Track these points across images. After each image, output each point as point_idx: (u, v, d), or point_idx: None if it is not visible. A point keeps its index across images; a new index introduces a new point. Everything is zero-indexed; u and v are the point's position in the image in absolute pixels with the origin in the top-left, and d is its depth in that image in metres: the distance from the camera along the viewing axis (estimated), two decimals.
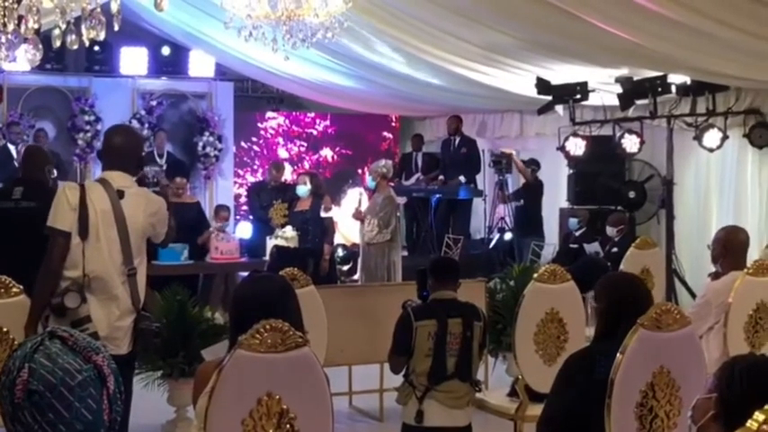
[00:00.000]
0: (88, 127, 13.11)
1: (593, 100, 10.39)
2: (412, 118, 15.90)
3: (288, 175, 13.25)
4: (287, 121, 15.33)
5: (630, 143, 9.96)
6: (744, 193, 10.22)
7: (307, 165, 15.06)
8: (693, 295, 8.93)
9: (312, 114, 15.49)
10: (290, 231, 9.61)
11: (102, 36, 4.71)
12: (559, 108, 10.63)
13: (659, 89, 9.54)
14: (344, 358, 6.62)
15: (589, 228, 10.99)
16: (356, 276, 10.99)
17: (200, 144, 13.88)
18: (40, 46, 5.00)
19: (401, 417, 5.08)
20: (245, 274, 5.18)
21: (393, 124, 16.00)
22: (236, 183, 14.65)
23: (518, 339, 5.18)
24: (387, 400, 6.68)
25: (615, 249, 9.78)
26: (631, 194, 11.10)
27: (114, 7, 4.58)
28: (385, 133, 15.94)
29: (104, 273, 4.55)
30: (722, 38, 7.15)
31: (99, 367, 1.95)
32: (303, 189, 10.03)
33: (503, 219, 12.99)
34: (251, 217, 12.13)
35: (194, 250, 9.76)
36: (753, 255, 6.13)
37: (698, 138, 9.71)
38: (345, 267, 12.16)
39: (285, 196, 10.37)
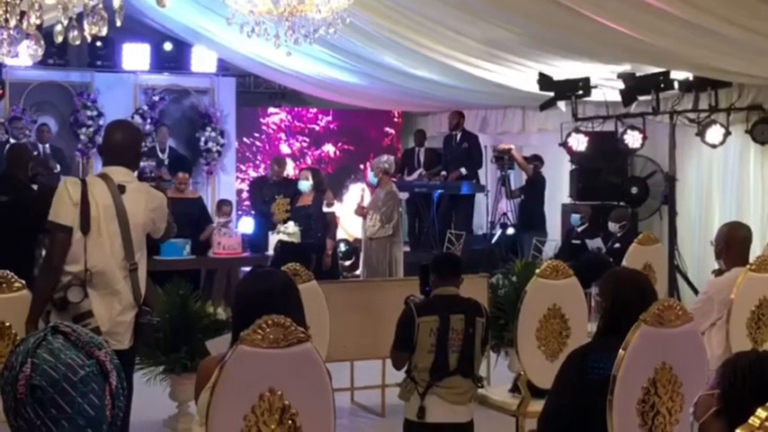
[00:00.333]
0: (90, 122, 13.13)
1: (596, 96, 10.38)
2: (414, 113, 15.89)
3: (290, 170, 13.26)
4: (289, 117, 15.33)
5: (633, 139, 9.95)
6: (746, 189, 10.21)
7: (309, 160, 15.05)
8: (696, 291, 8.93)
9: (314, 110, 15.48)
10: (292, 227, 9.60)
11: (104, 32, 4.70)
12: (562, 104, 10.62)
13: (662, 85, 9.53)
14: (346, 354, 6.62)
15: (591, 223, 10.98)
16: (358, 272, 10.99)
17: (203, 139, 13.90)
18: (42, 41, 5.00)
19: (403, 412, 5.08)
20: (248, 269, 5.19)
21: (395, 120, 15.99)
22: (238, 178, 14.66)
23: (520, 335, 5.18)
24: (389, 395, 6.69)
25: (617, 245, 9.77)
26: (634, 190, 11.09)
27: (116, 3, 4.57)
28: (387, 129, 15.93)
29: (106, 267, 4.56)
30: (725, 34, 7.14)
31: (101, 363, 1.95)
32: (305, 184, 10.03)
33: (505, 214, 12.98)
34: (253, 212, 12.13)
35: (196, 245, 9.76)
36: (755, 251, 6.12)
37: (700, 134, 9.70)
38: (348, 262, 12.17)
39: (287, 191, 10.36)
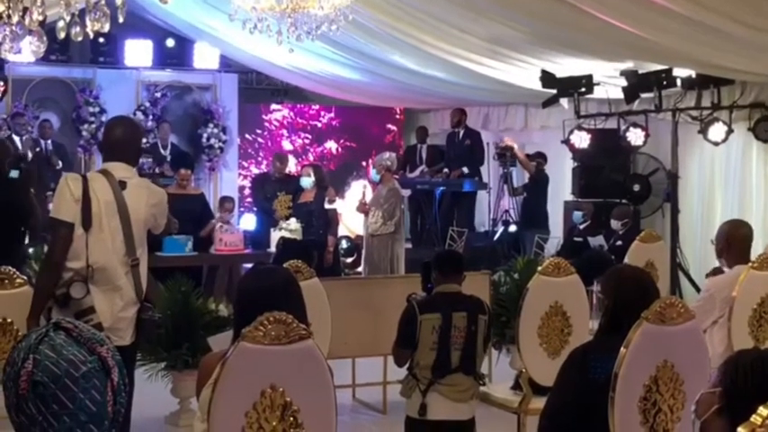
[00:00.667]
0: (93, 118, 13.14)
1: (598, 93, 10.37)
2: (416, 110, 15.89)
3: (292, 167, 13.25)
4: (291, 114, 15.33)
5: (635, 136, 9.95)
6: (748, 187, 10.21)
7: (311, 157, 15.05)
8: (698, 289, 8.92)
9: (316, 107, 15.48)
10: (294, 223, 9.61)
11: (106, 28, 4.70)
12: (564, 101, 10.62)
13: (664, 82, 9.52)
14: (348, 350, 6.62)
15: (593, 221, 10.98)
16: (360, 268, 10.99)
17: (205, 136, 13.91)
18: (45, 38, 5.00)
19: (405, 410, 5.08)
20: (250, 265, 5.20)
21: (397, 117, 15.99)
22: (240, 174, 14.66)
23: (522, 332, 5.18)
24: (390, 392, 6.69)
25: (620, 243, 9.77)
26: (636, 188, 11.08)
27: None
28: (389, 126, 15.93)
29: (108, 263, 4.56)
30: (727, 31, 7.14)
31: (103, 359, 1.95)
32: (307, 181, 10.03)
33: (507, 211, 12.97)
34: (255, 209, 12.14)
35: (198, 242, 9.76)
36: (757, 249, 6.12)
37: (703, 131, 9.69)
38: (349, 259, 12.17)
39: (289, 188, 10.35)
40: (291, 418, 3.07)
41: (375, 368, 7.04)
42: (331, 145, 15.47)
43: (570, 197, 12.00)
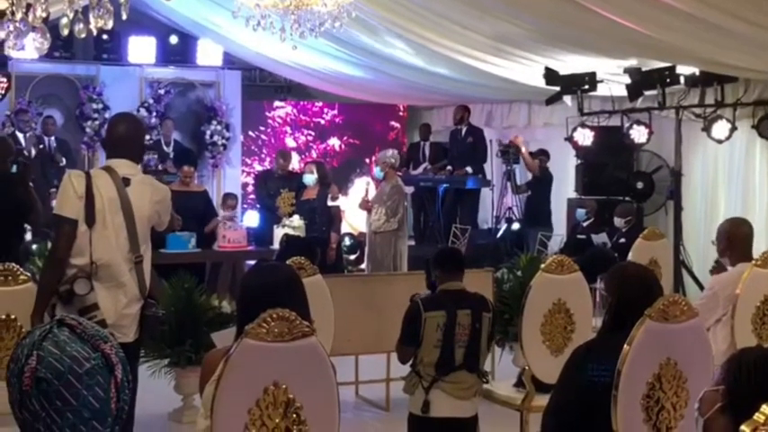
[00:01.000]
0: (96, 115, 13.14)
1: (602, 90, 10.36)
2: (419, 107, 15.88)
3: (295, 164, 13.26)
4: (294, 111, 15.33)
5: (639, 134, 9.93)
6: (752, 185, 10.20)
7: (314, 154, 15.06)
8: (701, 286, 8.92)
9: (320, 104, 15.48)
10: (296, 220, 9.61)
11: (109, 25, 4.71)
12: (567, 98, 10.61)
13: (668, 80, 9.51)
14: (351, 348, 6.63)
15: (597, 218, 10.98)
16: (363, 265, 10.99)
17: (208, 133, 13.91)
18: (48, 34, 5.01)
19: (408, 407, 5.08)
20: (253, 262, 5.20)
21: (401, 114, 15.99)
22: (243, 171, 14.66)
23: (525, 330, 5.17)
24: (393, 389, 6.69)
25: (623, 240, 9.77)
26: (639, 185, 11.07)
27: None
28: (392, 123, 15.93)
29: (111, 260, 4.56)
30: (731, 29, 7.13)
31: (107, 356, 1.96)
32: (310, 178, 10.03)
33: (510, 209, 12.98)
34: (258, 206, 12.15)
35: (201, 238, 9.77)
36: (760, 246, 6.12)
37: (706, 129, 9.67)
38: (352, 256, 12.17)
39: (292, 185, 10.36)
40: (294, 415, 3.08)
41: (378, 365, 7.04)
42: (334, 142, 15.47)
43: (573, 194, 12.00)
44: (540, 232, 11.67)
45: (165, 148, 12.86)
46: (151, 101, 13.56)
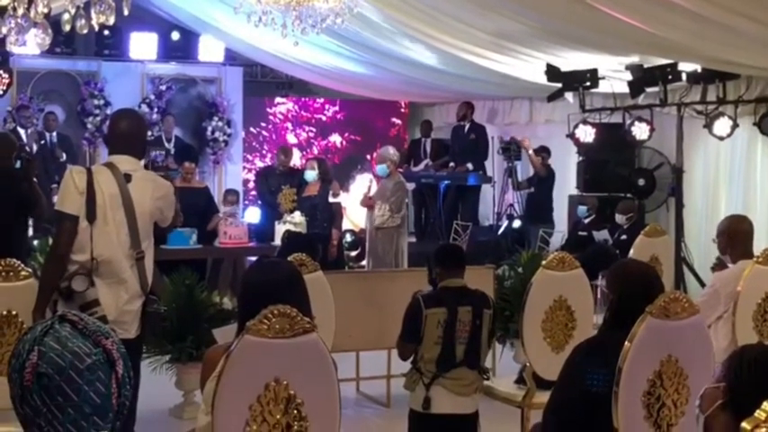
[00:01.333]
0: (97, 111, 13.14)
1: (604, 87, 10.36)
2: (421, 104, 15.88)
3: (296, 160, 13.26)
4: (296, 107, 15.33)
5: (640, 131, 9.93)
6: (753, 182, 10.20)
7: (316, 150, 15.06)
8: (702, 283, 8.93)
9: (321, 100, 15.48)
10: (298, 216, 9.61)
11: (111, 20, 4.71)
12: (569, 95, 10.61)
13: (669, 77, 9.51)
14: (352, 344, 6.63)
15: (598, 215, 10.98)
16: (364, 262, 10.99)
17: (210, 129, 13.91)
18: (50, 30, 5.01)
19: (408, 403, 5.09)
20: (254, 258, 5.21)
21: (402, 110, 15.98)
22: (244, 168, 14.66)
23: (526, 326, 5.17)
24: (394, 386, 6.69)
25: (624, 237, 9.76)
26: (641, 182, 11.07)
27: None
28: (394, 119, 15.92)
29: (112, 256, 4.55)
30: (733, 26, 7.12)
31: (108, 351, 1.96)
32: (311, 174, 10.03)
33: (511, 205, 12.97)
34: (259, 202, 12.15)
35: (203, 235, 9.78)
36: (761, 243, 6.11)
37: (708, 126, 9.67)
38: (354, 253, 12.17)
39: (293, 181, 10.36)
40: (295, 412, 3.08)
41: (379, 361, 7.04)
42: (335, 138, 15.47)
43: (575, 191, 11.99)
44: (542, 229, 11.67)
45: (165, 144, 12.86)
46: (152, 97, 13.56)
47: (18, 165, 7.24)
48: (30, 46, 6.29)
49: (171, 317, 6.13)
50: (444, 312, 4.89)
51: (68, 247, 4.53)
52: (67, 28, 4.80)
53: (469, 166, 12.77)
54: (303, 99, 15.47)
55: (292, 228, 9.46)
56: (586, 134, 10.54)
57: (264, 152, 14.94)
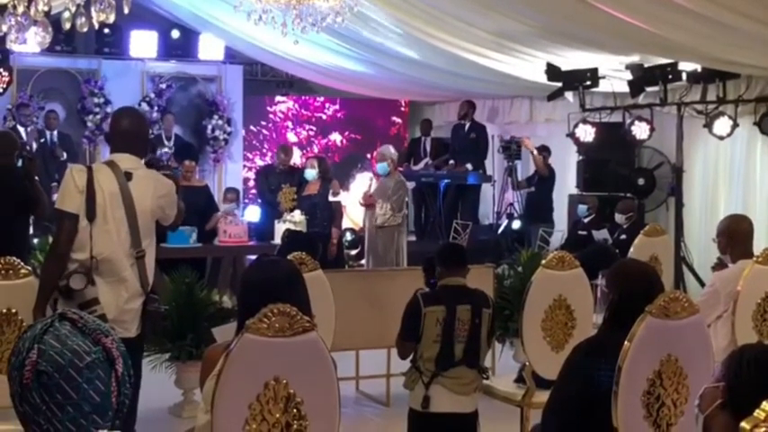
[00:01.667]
0: (97, 109, 13.14)
1: (604, 86, 10.36)
2: (421, 103, 15.88)
3: (296, 158, 13.25)
4: (296, 105, 15.33)
5: (640, 130, 9.93)
6: (753, 181, 10.20)
7: (316, 149, 15.05)
8: (702, 283, 8.92)
9: (321, 99, 15.47)
10: (298, 215, 9.61)
11: (111, 19, 4.71)
12: (569, 94, 10.61)
13: (670, 76, 9.51)
14: (352, 343, 6.63)
15: (598, 214, 10.98)
16: (364, 261, 10.99)
17: (210, 127, 13.91)
18: (50, 28, 5.01)
19: (408, 402, 5.09)
20: (254, 257, 5.20)
21: (402, 109, 15.97)
22: (245, 166, 14.66)
23: (525, 326, 5.17)
24: (394, 385, 6.69)
25: (624, 236, 9.76)
26: (641, 181, 11.07)
27: None
28: (394, 118, 15.92)
29: (112, 255, 4.55)
30: (733, 25, 7.12)
31: (108, 350, 1.96)
32: (311, 173, 10.03)
33: (511, 205, 12.97)
34: (259, 200, 12.15)
35: (202, 233, 9.78)
36: (761, 243, 6.11)
37: (708, 125, 9.67)
38: (354, 252, 12.17)
39: (293, 180, 10.36)
40: (295, 410, 3.08)
41: (378, 360, 7.04)
42: (336, 137, 15.46)
43: (575, 191, 11.99)
44: (541, 228, 11.67)
45: (165, 142, 12.86)
46: (152, 95, 13.56)
47: (19, 163, 7.24)
48: (30, 44, 6.29)
49: (171, 315, 6.14)
50: (443, 310, 4.89)
51: (68, 246, 4.53)
52: (68, 26, 4.81)
53: (469, 165, 12.76)
54: (303, 98, 15.46)
55: (292, 226, 9.46)
56: (586, 133, 10.54)
57: (264, 151, 14.94)
